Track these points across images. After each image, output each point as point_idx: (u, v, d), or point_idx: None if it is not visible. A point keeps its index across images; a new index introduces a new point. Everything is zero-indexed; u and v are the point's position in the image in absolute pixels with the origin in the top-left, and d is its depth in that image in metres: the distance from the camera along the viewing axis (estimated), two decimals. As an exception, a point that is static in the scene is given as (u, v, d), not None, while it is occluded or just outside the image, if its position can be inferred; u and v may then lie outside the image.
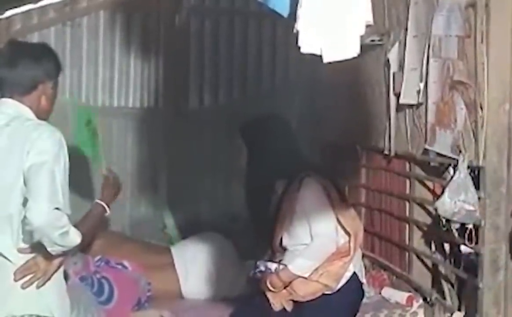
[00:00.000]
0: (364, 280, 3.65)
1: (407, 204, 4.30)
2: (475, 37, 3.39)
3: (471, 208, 3.41)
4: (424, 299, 4.09)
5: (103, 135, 5.54)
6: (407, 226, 4.31)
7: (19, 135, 2.58)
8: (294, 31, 2.46)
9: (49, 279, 2.62)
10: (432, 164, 3.93)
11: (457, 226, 3.59)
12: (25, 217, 2.49)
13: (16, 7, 5.15)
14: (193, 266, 4.30)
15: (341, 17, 2.43)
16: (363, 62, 4.26)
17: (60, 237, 2.51)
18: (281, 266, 3.51)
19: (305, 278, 3.47)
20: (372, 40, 4.24)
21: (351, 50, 2.46)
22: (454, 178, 3.47)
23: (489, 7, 3.34)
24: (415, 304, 4.07)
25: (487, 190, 3.42)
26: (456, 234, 3.67)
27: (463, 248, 3.88)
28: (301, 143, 3.85)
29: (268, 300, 3.51)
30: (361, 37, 2.47)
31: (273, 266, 3.54)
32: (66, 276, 2.81)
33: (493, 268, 3.45)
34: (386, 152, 4.40)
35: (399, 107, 4.19)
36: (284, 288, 3.51)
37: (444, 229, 3.63)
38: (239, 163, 3.81)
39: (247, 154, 3.70)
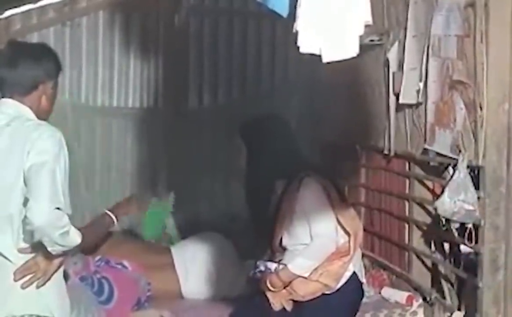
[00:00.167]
0: (364, 280, 3.65)
1: (407, 204, 4.30)
2: (475, 37, 3.39)
3: (471, 207, 3.42)
4: (424, 299, 4.09)
5: (102, 136, 5.60)
6: (406, 225, 4.31)
7: (19, 135, 2.58)
8: (293, 31, 2.46)
9: (49, 279, 2.62)
10: (431, 163, 3.93)
11: (457, 225, 3.60)
12: (25, 216, 2.49)
13: (15, 7, 5.15)
14: (193, 266, 4.30)
15: (341, 17, 2.43)
16: (362, 62, 4.26)
17: (60, 237, 2.51)
18: (281, 266, 3.51)
19: (305, 277, 3.47)
20: (372, 40, 4.24)
21: (351, 50, 2.46)
22: (454, 178, 3.47)
23: (488, 7, 3.34)
24: (415, 304, 4.07)
25: (486, 189, 3.42)
26: (455, 234, 3.68)
27: (462, 247, 3.88)
28: (300, 143, 3.85)
29: (268, 300, 3.51)
30: (361, 37, 2.47)
31: (273, 266, 3.54)
32: (66, 276, 2.81)
33: (492, 267, 3.45)
34: (385, 152, 4.40)
35: (399, 107, 4.19)
36: (284, 288, 3.50)
37: (444, 228, 3.63)
38: (238, 163, 3.81)
39: (246, 154, 3.70)
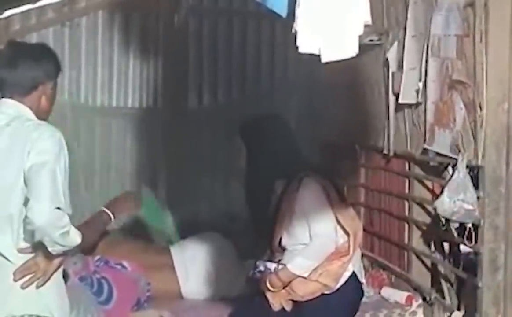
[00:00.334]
0: (363, 280, 3.65)
1: (406, 204, 4.30)
2: (474, 37, 3.39)
3: (470, 207, 3.41)
4: (424, 299, 4.09)
5: (102, 136, 5.60)
6: (406, 225, 4.31)
7: (19, 136, 2.59)
8: (293, 31, 2.46)
9: (48, 279, 2.62)
10: (431, 163, 3.93)
11: (456, 225, 3.60)
12: (26, 216, 2.49)
13: (14, 7, 5.14)
14: (192, 266, 4.30)
15: (340, 17, 2.43)
16: (361, 62, 4.25)
17: (61, 237, 2.51)
18: (280, 266, 3.51)
19: (304, 277, 3.46)
20: (371, 40, 4.24)
21: (350, 50, 2.46)
22: (453, 178, 3.47)
23: (488, 7, 3.34)
24: (415, 304, 4.07)
25: (486, 189, 3.42)
26: (455, 234, 3.68)
27: (462, 247, 3.88)
28: (300, 143, 3.85)
29: (267, 300, 3.51)
30: (360, 37, 2.47)
31: (272, 266, 3.53)
32: (65, 276, 2.81)
33: (492, 267, 3.45)
34: (385, 152, 4.40)
35: (398, 107, 4.19)
36: (284, 288, 3.50)
37: (443, 228, 3.63)
38: (238, 163, 3.81)
39: (246, 154, 3.69)
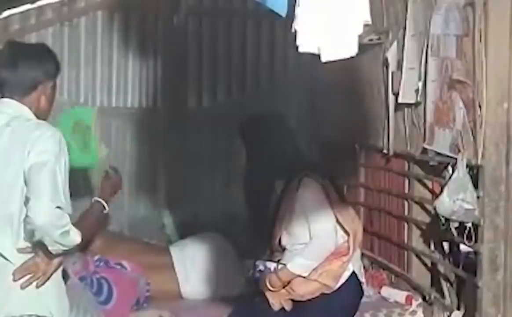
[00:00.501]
0: (363, 280, 3.65)
1: (406, 203, 4.30)
2: (474, 36, 3.39)
3: (470, 206, 3.41)
4: (423, 298, 4.09)
5: (101, 136, 5.58)
6: (406, 225, 4.31)
7: (19, 135, 2.59)
8: (292, 30, 2.46)
9: (48, 279, 2.62)
10: (431, 163, 3.93)
11: (456, 225, 3.59)
12: (26, 215, 2.49)
13: (14, 7, 5.14)
14: (192, 265, 4.30)
15: (340, 16, 2.43)
16: (361, 61, 4.26)
17: (61, 236, 2.51)
18: (280, 266, 3.51)
19: (304, 277, 3.46)
20: (371, 40, 4.24)
21: (350, 49, 2.46)
22: (453, 177, 3.47)
23: (488, 6, 3.34)
24: (414, 303, 4.07)
25: (486, 188, 3.42)
26: (455, 233, 3.68)
27: (462, 247, 3.88)
28: (300, 142, 3.85)
29: (267, 300, 3.51)
30: (360, 36, 2.47)
31: (272, 265, 3.53)
32: (65, 276, 2.81)
33: (492, 267, 3.45)
34: (385, 151, 4.40)
35: (398, 107, 4.19)
36: (283, 287, 3.50)
37: (443, 228, 3.63)
38: (238, 163, 3.80)
39: (246, 154, 3.69)
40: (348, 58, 2.47)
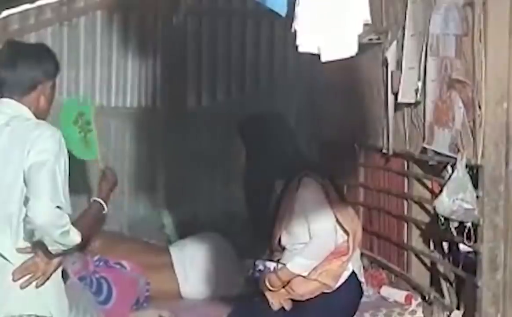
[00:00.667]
0: (362, 279, 3.65)
1: (406, 203, 4.30)
2: (473, 36, 3.39)
3: (470, 206, 3.42)
4: (423, 298, 4.09)
5: (100, 136, 5.58)
6: (405, 224, 4.31)
7: (19, 135, 2.58)
8: (292, 30, 2.46)
9: (47, 279, 2.61)
10: (430, 162, 3.93)
11: (456, 224, 3.59)
12: (26, 215, 2.49)
13: (13, 7, 5.14)
14: (191, 265, 4.30)
15: (339, 16, 2.43)
16: (361, 61, 4.26)
17: (61, 236, 2.51)
18: (280, 265, 3.51)
19: (304, 277, 3.46)
20: (370, 39, 4.24)
21: (349, 49, 2.46)
22: (453, 177, 3.47)
23: (487, 6, 3.35)
24: (414, 303, 4.07)
25: (485, 188, 3.42)
26: (454, 233, 3.67)
27: (461, 246, 3.88)
28: (299, 142, 3.85)
29: (266, 300, 3.50)
30: (359, 36, 2.47)
31: (271, 265, 3.53)
32: (64, 276, 2.81)
33: (491, 266, 3.45)
34: (384, 151, 4.40)
35: (397, 106, 4.20)
36: (283, 287, 3.50)
37: (443, 227, 3.63)
38: (237, 162, 3.80)
39: (245, 153, 3.69)
40: (347, 58, 2.47)
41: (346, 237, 3.52)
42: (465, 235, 3.53)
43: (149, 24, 5.67)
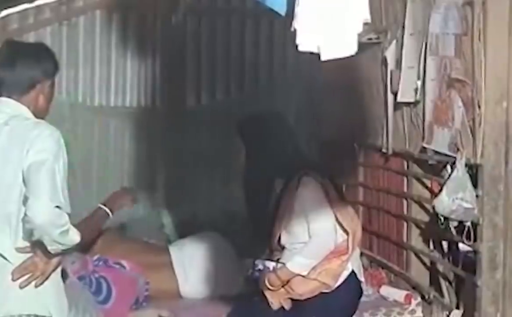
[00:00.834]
0: (362, 279, 3.65)
1: (405, 202, 4.30)
2: (472, 35, 3.39)
3: (469, 205, 3.42)
4: (422, 297, 4.09)
5: (100, 135, 5.59)
6: (405, 224, 4.31)
7: (18, 134, 2.58)
8: (292, 29, 2.46)
9: (47, 278, 2.61)
10: (430, 162, 3.93)
11: (455, 224, 3.59)
12: (25, 215, 2.49)
13: (12, 6, 5.14)
14: (191, 265, 4.30)
15: (339, 15, 2.43)
16: (360, 60, 4.25)
17: (60, 235, 2.51)
18: (279, 265, 3.50)
19: (303, 276, 3.46)
20: (370, 39, 4.24)
21: (349, 48, 2.46)
22: (452, 176, 3.47)
23: (486, 5, 3.34)
24: (413, 302, 4.07)
25: (485, 187, 3.42)
26: (454, 232, 3.67)
27: (461, 246, 3.88)
28: (299, 141, 3.85)
29: (266, 299, 3.50)
30: (359, 35, 2.47)
31: (271, 264, 3.53)
32: (64, 276, 2.81)
33: (491, 266, 3.45)
34: (384, 150, 4.40)
35: (397, 106, 4.19)
36: (282, 286, 3.50)
37: (442, 227, 3.63)
38: (237, 162, 3.80)
39: (245, 152, 3.69)
40: (347, 57, 2.47)
41: (345, 236, 3.52)
42: (464, 234, 3.53)
43: (149, 24, 5.67)
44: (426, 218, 4.08)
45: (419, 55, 3.84)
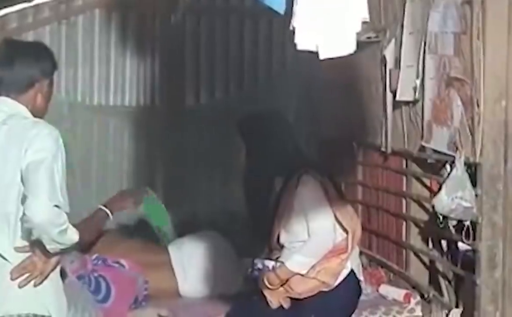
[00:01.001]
0: (361, 277, 3.65)
1: (404, 201, 4.30)
2: (471, 34, 3.39)
3: (468, 204, 3.42)
4: (422, 296, 4.09)
5: (99, 134, 5.59)
6: (404, 223, 4.31)
7: (16, 134, 2.58)
8: (290, 28, 2.46)
9: (46, 277, 2.61)
10: (429, 160, 3.92)
11: (454, 222, 3.60)
12: (24, 214, 2.48)
13: (11, 5, 5.14)
14: (190, 264, 4.29)
15: (338, 14, 2.43)
16: (359, 59, 4.26)
17: (59, 235, 2.51)
18: (279, 264, 3.50)
19: (303, 275, 3.46)
20: (369, 37, 4.24)
21: (348, 47, 2.46)
22: (451, 175, 3.47)
23: (485, 4, 3.34)
24: (413, 301, 4.07)
25: (484, 186, 3.42)
26: (453, 231, 3.68)
27: (460, 244, 3.88)
28: (298, 140, 3.85)
29: (265, 298, 3.50)
30: (358, 34, 2.47)
31: (270, 263, 3.53)
32: (63, 275, 2.81)
33: (490, 264, 3.45)
34: (382, 149, 4.40)
35: (396, 104, 4.19)
36: (282, 285, 3.50)
37: (441, 226, 3.63)
38: (236, 160, 3.80)
39: (244, 151, 3.69)
40: (346, 56, 2.47)
41: (345, 235, 3.52)
42: (463, 233, 3.53)
43: (148, 23, 5.67)
44: (425, 217, 4.08)
45: (418, 54, 3.84)
